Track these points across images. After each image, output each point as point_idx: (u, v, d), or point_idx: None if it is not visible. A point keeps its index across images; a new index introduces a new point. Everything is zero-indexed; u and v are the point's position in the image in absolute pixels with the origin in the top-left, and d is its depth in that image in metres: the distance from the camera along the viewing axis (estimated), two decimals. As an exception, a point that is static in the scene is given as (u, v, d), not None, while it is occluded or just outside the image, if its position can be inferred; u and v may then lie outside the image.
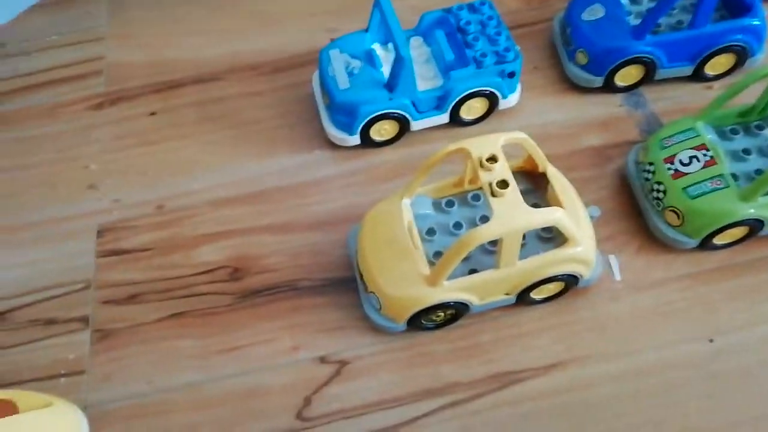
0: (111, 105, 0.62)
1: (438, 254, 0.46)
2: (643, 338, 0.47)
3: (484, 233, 0.39)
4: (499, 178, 0.40)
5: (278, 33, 0.66)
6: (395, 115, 0.54)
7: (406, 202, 0.47)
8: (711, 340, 0.47)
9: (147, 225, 0.54)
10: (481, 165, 0.40)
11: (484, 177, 0.40)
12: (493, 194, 0.39)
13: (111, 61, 0.65)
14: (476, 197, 0.48)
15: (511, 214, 0.39)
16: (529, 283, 0.45)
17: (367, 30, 0.57)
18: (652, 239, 0.50)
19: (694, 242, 0.48)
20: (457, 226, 0.47)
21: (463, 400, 0.45)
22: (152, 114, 0.61)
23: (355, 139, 0.55)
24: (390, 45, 0.57)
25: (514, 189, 0.39)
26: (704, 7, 0.53)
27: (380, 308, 0.45)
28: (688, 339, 0.47)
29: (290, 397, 0.45)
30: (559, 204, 0.45)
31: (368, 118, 0.54)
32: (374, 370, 0.46)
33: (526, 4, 0.66)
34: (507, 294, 0.46)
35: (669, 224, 0.49)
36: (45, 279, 0.51)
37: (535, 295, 0.47)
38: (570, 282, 0.46)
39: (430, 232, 0.47)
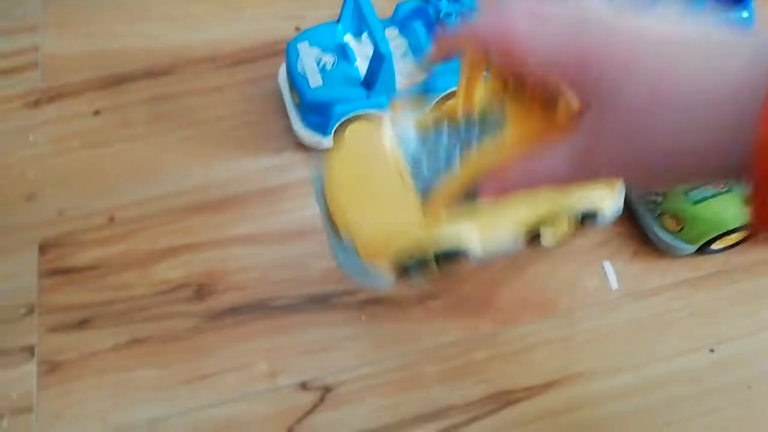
0: (49, 102, 0.55)
1: (426, 188, 0.34)
2: (643, 351, 0.45)
3: (502, 147, 0.29)
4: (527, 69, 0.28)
5: (237, 20, 0.60)
6: (373, 114, 0.50)
7: (388, 128, 0.36)
8: (712, 350, 0.45)
9: (97, 239, 0.47)
10: None
11: (496, 78, 0.29)
12: (507, 98, 0.29)
13: (48, 53, 0.58)
14: (470, 122, 0.35)
15: (534, 121, 0.28)
16: (540, 220, 0.37)
17: (338, 21, 0.52)
18: (647, 244, 0.48)
19: (692, 248, 0.46)
20: (449, 153, 0.34)
21: (458, 425, 0.42)
22: (96, 113, 0.54)
23: (329, 141, 0.51)
24: (364, 37, 0.53)
25: (533, 90, 0.29)
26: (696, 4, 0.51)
27: (357, 257, 0.36)
28: (689, 350, 0.45)
29: (270, 429, 0.41)
30: None
31: (344, 119, 0.49)
32: (361, 396, 0.42)
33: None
34: (513, 228, 0.38)
35: (666, 230, 0.46)
36: (-21, 304, 0.45)
37: (546, 240, 0.39)
38: (587, 220, 0.38)
39: (416, 163, 0.35)
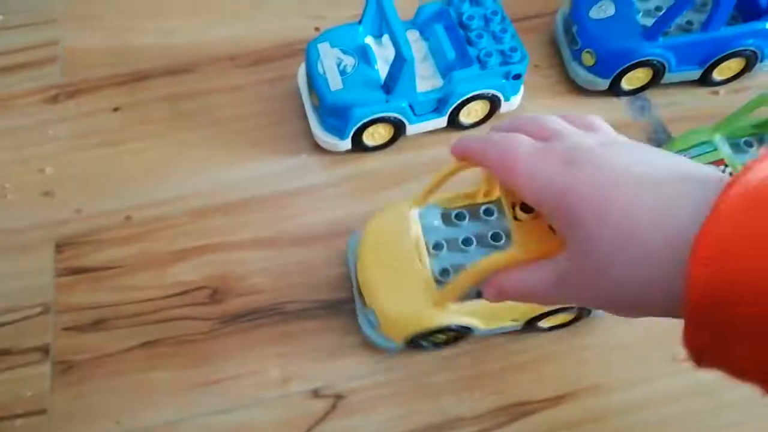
0: (68, 98, 0.55)
1: (445, 272, 0.42)
2: (657, 364, 0.44)
3: (503, 261, 0.34)
4: (524, 201, 0.35)
5: (258, 19, 0.60)
6: (391, 118, 0.49)
7: (415, 212, 0.43)
8: (727, 367, 0.44)
9: (113, 239, 0.48)
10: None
11: (507, 197, 0.35)
12: (515, 218, 0.35)
13: (67, 47, 0.58)
14: (489, 212, 0.43)
15: (534, 243, 0.34)
16: (540, 311, 0.42)
17: (360, 22, 0.52)
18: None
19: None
20: (467, 242, 0.42)
21: (469, 437, 0.42)
22: (116, 109, 0.54)
23: (347, 144, 0.51)
24: (384, 39, 0.52)
25: (538, 215, 0.35)
26: (720, 11, 0.50)
27: (378, 326, 0.42)
28: (704, 366, 0.44)
29: (281, 436, 0.41)
30: None
31: (362, 122, 0.49)
32: (373, 404, 0.42)
33: (525, -6, 0.62)
34: (514, 321, 0.43)
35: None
36: (-5, 302, 0.45)
37: (544, 323, 0.44)
38: (582, 312, 0.44)
39: (438, 246, 0.42)
